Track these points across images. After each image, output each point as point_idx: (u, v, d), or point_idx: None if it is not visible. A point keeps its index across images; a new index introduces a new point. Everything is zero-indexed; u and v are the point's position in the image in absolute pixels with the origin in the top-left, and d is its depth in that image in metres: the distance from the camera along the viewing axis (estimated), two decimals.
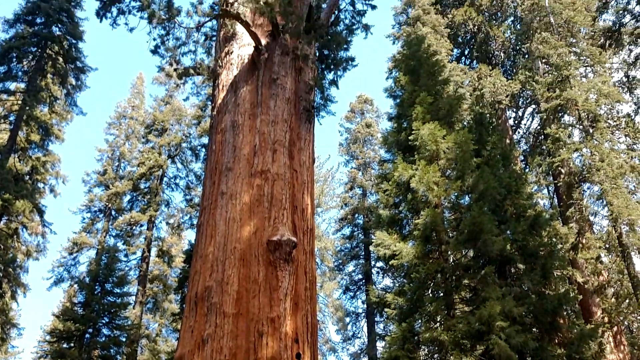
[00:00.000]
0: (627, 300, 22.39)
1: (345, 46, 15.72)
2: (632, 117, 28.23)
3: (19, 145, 30.23)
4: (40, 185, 33.50)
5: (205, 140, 38.34)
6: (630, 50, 30.03)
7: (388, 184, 19.25)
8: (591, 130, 25.74)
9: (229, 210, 9.92)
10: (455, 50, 36.32)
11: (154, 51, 14.50)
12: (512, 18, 38.00)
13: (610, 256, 23.63)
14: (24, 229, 32.11)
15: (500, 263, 16.14)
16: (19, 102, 28.57)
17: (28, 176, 31.92)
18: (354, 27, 17.33)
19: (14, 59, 28.79)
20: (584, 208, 24.82)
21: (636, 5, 28.13)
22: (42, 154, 32.98)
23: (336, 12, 16.86)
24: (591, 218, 25.36)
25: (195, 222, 37.23)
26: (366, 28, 17.29)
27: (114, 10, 16.10)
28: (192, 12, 12.61)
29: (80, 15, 32.03)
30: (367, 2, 17.24)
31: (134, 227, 39.34)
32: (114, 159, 43.26)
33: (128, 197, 40.93)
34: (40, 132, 31.60)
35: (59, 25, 30.57)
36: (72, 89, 31.47)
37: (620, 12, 28.64)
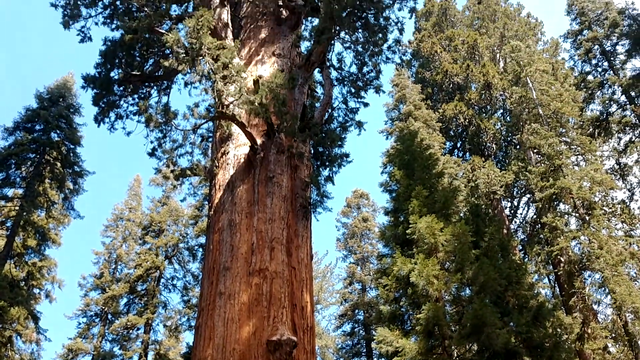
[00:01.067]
0: None
1: (339, 143, 15.95)
2: (627, 204, 28.41)
3: (15, 251, 30.05)
4: (36, 291, 33.05)
5: (202, 240, 38.24)
6: (620, 138, 30.62)
7: (387, 278, 19.07)
8: (587, 218, 25.81)
9: (227, 311, 9.77)
10: (447, 143, 36.94)
11: (151, 154, 14.69)
12: (501, 111, 38.88)
13: (617, 346, 23.14)
14: (18, 337, 31.41)
15: (505, 357, 15.76)
16: (17, 207, 28.64)
17: (24, 282, 31.53)
18: (348, 124, 17.67)
19: (13, 166, 29.10)
20: (586, 297, 24.54)
21: (621, 95, 28.89)
22: (39, 259, 32.71)
23: (330, 110, 17.23)
24: (595, 307, 25.05)
25: (193, 323, 36.55)
26: (359, 125, 17.63)
27: (112, 115, 16.48)
28: (188, 115, 12.89)
29: (78, 121, 32.65)
30: (359, 100, 17.66)
31: (131, 331, 38.53)
32: (110, 261, 42.91)
33: (125, 300, 40.32)
34: (37, 237, 31.47)
35: (58, 131, 31.10)
36: (70, 193, 31.64)
37: (607, 102, 29.42)
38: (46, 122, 30.42)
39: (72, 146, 31.66)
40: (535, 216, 32.88)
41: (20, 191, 30.25)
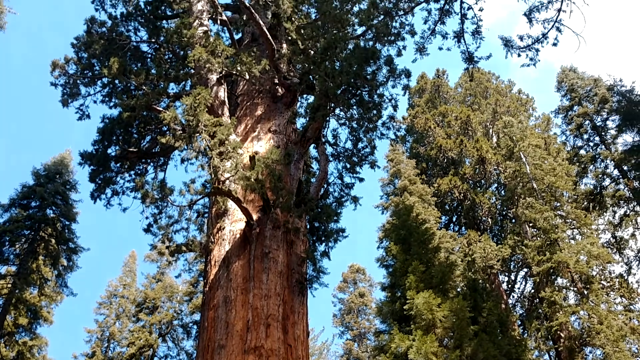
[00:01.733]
0: None
1: (335, 218, 15.96)
2: (625, 278, 28.23)
3: (6, 329, 29.52)
4: None
5: (197, 317, 37.63)
6: (614, 212, 30.71)
7: (385, 356, 18.72)
8: (586, 292, 25.61)
9: None
10: (443, 217, 36.97)
11: (147, 230, 14.67)
12: (495, 185, 39.14)
13: None
14: None
15: None
16: (9, 285, 28.31)
17: None
18: (343, 199, 17.75)
19: (7, 243, 28.92)
20: None
21: (614, 169, 29.17)
22: (29, 338, 32.09)
23: (325, 185, 17.34)
24: None
25: None
26: (355, 200, 17.71)
27: (109, 191, 16.54)
28: (184, 191, 12.93)
29: (74, 197, 32.68)
30: (354, 175, 17.79)
31: None
32: (103, 339, 42.12)
33: None
34: (29, 316, 30.99)
35: (53, 208, 31.10)
36: (64, 270, 31.35)
37: (600, 176, 29.66)
38: (42, 199, 30.46)
39: (67, 223, 31.59)
40: (533, 290, 32.57)
41: (13, 268, 29.94)
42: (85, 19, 17.39)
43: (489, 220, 37.12)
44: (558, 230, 28.02)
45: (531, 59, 19.68)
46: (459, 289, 21.29)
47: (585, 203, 30.96)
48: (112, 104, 17.22)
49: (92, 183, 16.41)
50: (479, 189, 37.81)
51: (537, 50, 19.62)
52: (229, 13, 21.44)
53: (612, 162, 30.11)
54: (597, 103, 32.95)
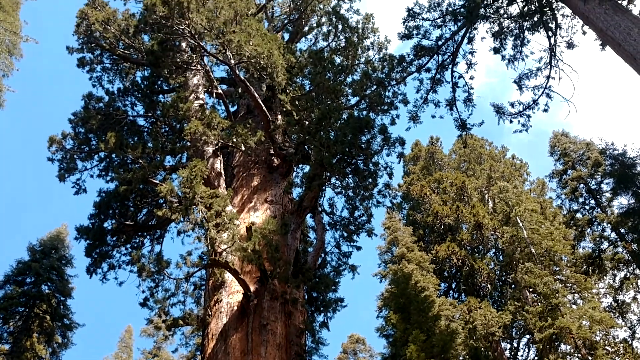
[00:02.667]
0: None
1: (333, 288, 15.87)
2: (630, 342, 27.79)
3: None
4: None
5: None
6: (614, 275, 30.52)
7: None
8: (590, 359, 25.14)
9: None
10: (442, 284, 36.61)
11: (143, 304, 14.48)
12: (493, 250, 38.95)
13: None
14: None
15: None
16: None
17: None
18: (341, 268, 17.65)
19: (0, 320, 28.45)
20: None
21: (611, 232, 29.16)
22: None
23: (323, 255, 17.27)
24: None
25: None
26: (353, 269, 17.62)
27: (105, 265, 16.42)
28: (181, 264, 12.83)
29: (70, 272, 32.36)
30: (351, 244, 17.75)
31: None
32: None
33: None
34: None
35: (49, 284, 30.74)
36: (58, 347, 30.72)
37: (598, 239, 29.60)
38: (37, 275, 30.15)
39: (62, 298, 31.18)
40: (537, 358, 31.96)
41: (6, 347, 29.36)
42: (83, 95, 17.68)
43: (489, 286, 36.77)
44: (559, 295, 27.74)
45: (523, 125, 19.98)
46: (461, 358, 20.90)
47: (585, 267, 30.77)
48: (108, 177, 17.30)
49: (88, 257, 16.30)
50: (477, 254, 37.61)
51: (529, 116, 19.95)
52: (224, 86, 21.85)
53: (609, 225, 30.10)
54: (590, 166, 33.20)
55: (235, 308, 12.60)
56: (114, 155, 16.64)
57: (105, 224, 16.33)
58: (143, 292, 14.94)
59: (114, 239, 16.60)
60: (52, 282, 30.90)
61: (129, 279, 16.47)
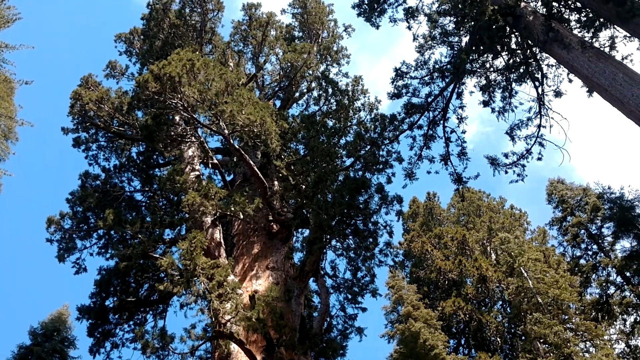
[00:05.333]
0: None
1: (341, 352, 15.60)
2: None
3: None
4: None
5: None
6: (625, 320, 30.10)
7: None
8: None
9: None
10: (451, 341, 36.05)
11: None
12: (500, 302, 38.53)
13: None
14: None
15: None
16: None
17: None
18: (348, 331, 17.42)
19: None
20: None
21: (617, 276, 28.94)
22: None
23: (328, 319, 17.05)
24: None
25: None
26: (360, 331, 17.38)
27: (108, 344, 16.17)
28: (185, 338, 12.64)
29: (73, 354, 31.75)
30: (356, 305, 17.57)
31: None
32: None
33: None
34: None
35: None
36: None
37: (604, 284, 29.32)
38: (39, 359, 29.61)
39: None
40: None
41: None
42: (80, 173, 17.80)
43: (498, 339, 36.21)
44: (570, 345, 27.32)
45: (519, 175, 20.07)
46: None
47: (594, 313, 30.38)
48: (108, 255, 17.22)
49: (91, 337, 16.06)
50: (483, 308, 37.19)
51: (523, 166, 20.07)
52: (219, 156, 22.02)
53: (614, 269, 29.88)
54: (589, 212, 33.19)
55: None
56: (112, 232, 16.61)
57: (107, 302, 16.17)
58: None
59: (117, 316, 16.40)
60: None
61: (133, 356, 16.23)
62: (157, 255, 15.02)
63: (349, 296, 17.49)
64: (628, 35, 17.17)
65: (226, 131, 14.62)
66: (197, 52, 17.61)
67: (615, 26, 17.16)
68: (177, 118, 17.55)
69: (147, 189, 18.49)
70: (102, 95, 18.90)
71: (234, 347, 12.89)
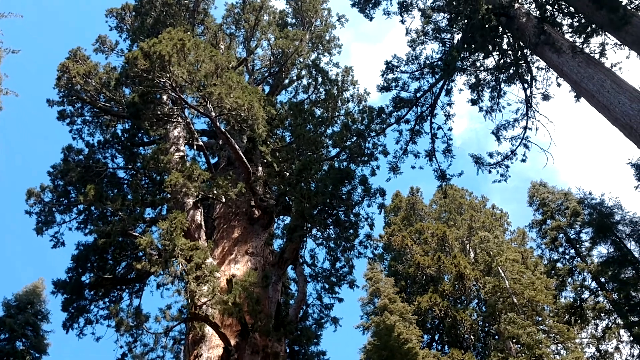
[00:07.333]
0: None
1: (315, 341, 15.65)
2: None
3: None
4: None
5: None
6: (597, 325, 30.44)
7: None
8: None
9: None
10: (425, 336, 36.25)
11: None
12: (476, 301, 38.80)
13: None
14: None
15: None
16: None
17: None
18: (323, 321, 17.45)
19: None
20: None
21: (592, 281, 29.23)
22: None
23: (304, 307, 17.08)
24: None
25: None
26: (335, 321, 17.43)
27: (82, 320, 16.08)
28: (160, 318, 12.61)
29: (46, 327, 31.60)
30: (333, 295, 17.60)
31: None
32: None
33: None
34: None
35: (23, 340, 29.96)
36: None
37: (579, 288, 29.64)
38: (11, 331, 29.38)
39: (37, 355, 30.34)
40: None
41: None
42: (63, 147, 17.61)
43: (472, 337, 36.48)
44: (542, 346, 27.59)
45: (502, 175, 20.19)
46: None
47: (567, 316, 30.71)
48: (87, 230, 17.10)
49: (65, 312, 15.96)
50: (459, 305, 37.43)
51: (507, 166, 20.18)
52: (205, 138, 21.92)
53: (590, 274, 30.20)
54: (569, 216, 33.47)
55: None
56: (93, 208, 16.49)
57: (83, 278, 16.05)
58: (121, 347, 14.68)
59: (92, 293, 16.30)
60: (27, 339, 30.10)
61: (106, 334, 16.13)
62: (137, 234, 14.93)
63: (327, 286, 17.52)
64: (619, 42, 17.27)
65: (213, 113, 14.54)
66: (189, 33, 17.47)
67: (606, 33, 17.26)
68: (164, 97, 17.43)
69: (130, 166, 18.36)
70: (90, 69, 18.70)
71: (208, 329, 12.88)
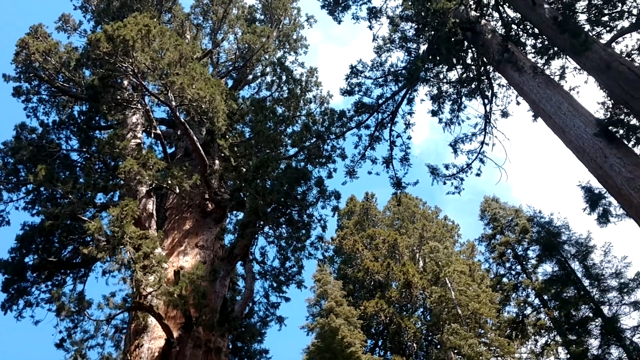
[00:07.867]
0: None
1: (259, 338, 15.65)
2: None
3: None
4: None
5: None
6: (536, 341, 31.06)
7: None
8: None
9: None
10: (369, 341, 36.52)
11: (59, 345, 13.94)
12: (421, 309, 39.24)
13: None
14: None
15: None
16: None
17: None
18: (268, 319, 17.45)
19: None
20: None
21: (535, 298, 29.83)
22: None
23: (250, 304, 17.05)
24: None
25: None
26: (280, 320, 17.43)
27: (21, 302, 15.72)
28: (103, 305, 12.42)
29: None
30: (281, 294, 17.61)
31: None
32: None
33: None
34: None
35: None
36: None
37: (522, 304, 30.20)
38: None
39: None
40: None
41: None
42: (15, 124, 17.20)
43: (415, 345, 36.88)
44: (482, 358, 28.06)
45: (456, 187, 20.47)
46: None
47: (509, 331, 31.26)
48: (35, 211, 16.73)
49: (4, 293, 15.57)
50: (405, 313, 37.80)
51: (462, 179, 20.47)
52: (163, 127, 21.66)
53: (533, 291, 30.80)
54: (518, 233, 34.07)
55: (157, 354, 12.21)
56: (42, 189, 16.16)
57: (27, 259, 15.68)
58: (60, 332, 14.40)
59: (35, 275, 15.93)
60: None
61: (46, 317, 15.79)
62: (86, 218, 14.64)
63: (275, 284, 17.51)
64: (578, 67, 17.69)
65: (174, 103, 14.38)
66: (155, 19, 17.26)
67: (567, 57, 17.67)
68: (125, 83, 17.16)
69: (84, 149, 18.03)
70: (51, 47, 18.30)
71: (151, 320, 12.73)
